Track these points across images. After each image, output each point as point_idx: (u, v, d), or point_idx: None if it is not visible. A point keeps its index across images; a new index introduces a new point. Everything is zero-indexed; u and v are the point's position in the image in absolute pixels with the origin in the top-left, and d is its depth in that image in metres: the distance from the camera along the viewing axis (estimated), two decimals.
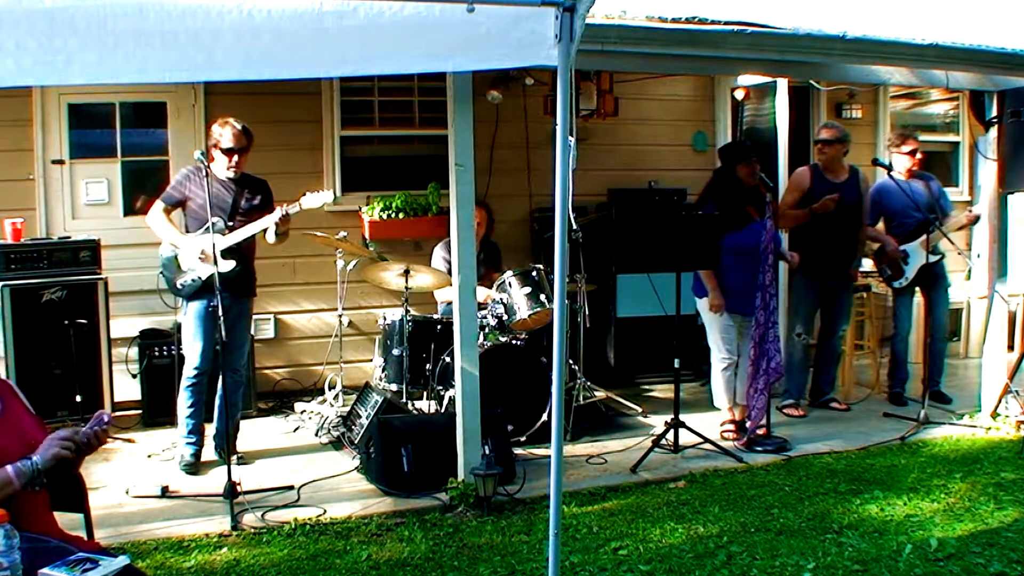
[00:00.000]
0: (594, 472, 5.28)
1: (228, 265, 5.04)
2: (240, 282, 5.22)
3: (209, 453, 5.40)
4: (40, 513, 2.76)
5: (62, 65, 2.92)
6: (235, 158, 5.11)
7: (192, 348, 5.20)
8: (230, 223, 5.13)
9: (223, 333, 4.66)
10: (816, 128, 6.62)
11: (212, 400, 5.39)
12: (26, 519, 2.49)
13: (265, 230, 5.16)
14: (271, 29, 3.04)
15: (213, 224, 4.99)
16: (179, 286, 5.19)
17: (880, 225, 6.74)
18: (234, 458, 5.28)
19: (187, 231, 5.24)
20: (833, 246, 6.27)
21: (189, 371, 5.21)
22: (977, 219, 6.52)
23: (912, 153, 6.56)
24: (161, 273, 5.33)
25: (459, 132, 4.57)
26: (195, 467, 5.22)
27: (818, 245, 6.18)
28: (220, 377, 5.20)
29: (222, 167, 5.14)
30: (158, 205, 5.22)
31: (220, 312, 4.64)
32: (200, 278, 5.10)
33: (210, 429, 5.43)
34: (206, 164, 4.75)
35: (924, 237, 6.28)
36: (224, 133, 5.09)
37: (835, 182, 6.31)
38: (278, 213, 5.09)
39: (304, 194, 5.20)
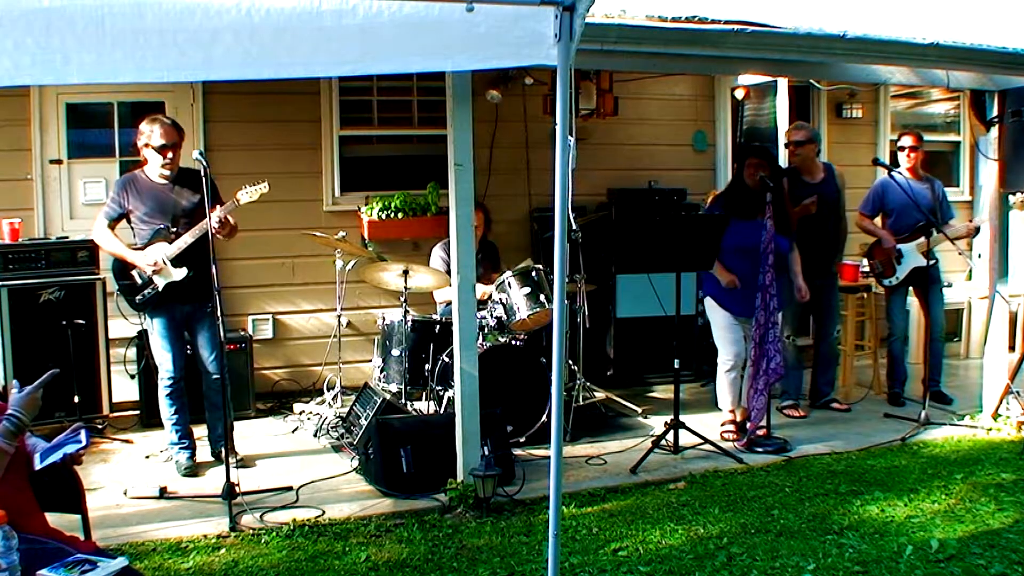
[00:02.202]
0: (594, 473, 5.27)
1: (181, 273, 5.00)
2: (198, 285, 5.08)
3: (208, 454, 5.39)
4: (30, 514, 2.75)
5: (60, 64, 2.91)
6: (169, 154, 4.98)
7: (162, 358, 5.16)
8: (175, 229, 5.04)
9: (222, 334, 4.63)
10: (816, 128, 6.59)
11: (200, 402, 5.37)
12: (16, 520, 2.48)
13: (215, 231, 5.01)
14: (270, 28, 3.03)
15: (158, 231, 4.98)
16: (137, 300, 5.13)
17: (878, 220, 6.73)
18: (234, 460, 5.27)
19: (134, 238, 5.15)
20: (816, 245, 6.24)
21: (164, 379, 5.17)
22: (977, 230, 6.50)
23: (903, 149, 6.56)
24: (118, 288, 5.24)
25: (458, 132, 4.56)
26: (193, 469, 5.21)
27: (801, 245, 6.17)
28: (203, 380, 5.23)
29: (156, 168, 5.02)
30: (101, 221, 5.11)
31: (219, 314, 4.61)
32: (157, 290, 5.05)
33: (207, 431, 5.43)
34: (205, 164, 4.69)
35: (922, 239, 6.28)
36: (154, 130, 4.95)
37: (812, 183, 6.30)
38: (213, 218, 4.93)
39: (242, 188, 5.10)
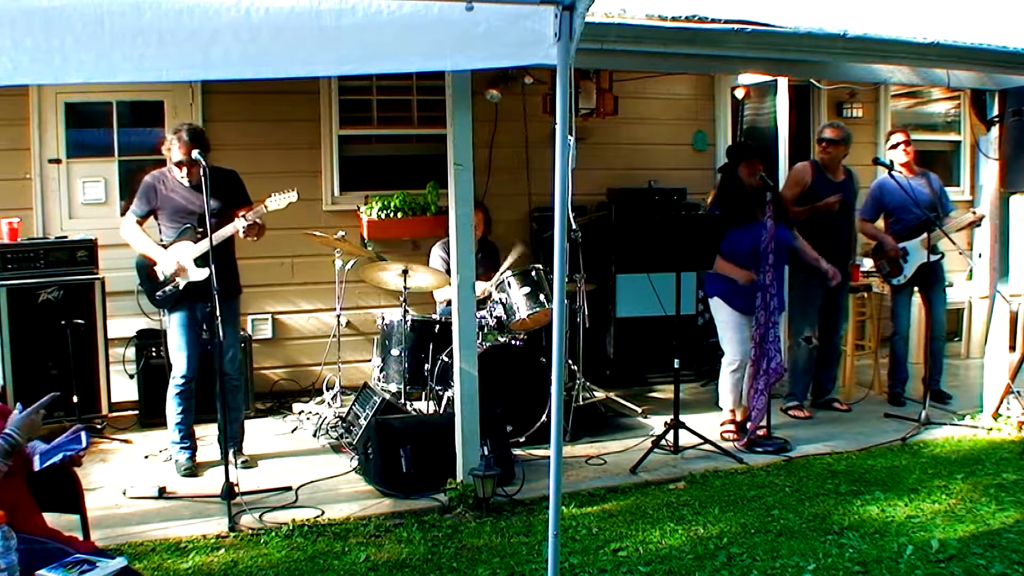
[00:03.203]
0: (594, 473, 5.26)
1: (203, 273, 5.00)
2: (219, 285, 5.10)
3: (212, 454, 5.38)
4: (28, 514, 2.75)
5: (59, 64, 2.90)
6: (185, 169, 5.00)
7: (177, 356, 5.17)
8: (200, 229, 5.04)
9: (221, 334, 4.62)
10: (818, 127, 6.57)
11: (211, 403, 5.37)
12: (15, 520, 2.47)
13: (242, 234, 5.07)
14: (269, 28, 3.02)
15: (183, 230, 4.98)
16: (157, 297, 5.15)
17: (880, 222, 6.73)
18: (240, 460, 5.27)
19: (160, 236, 5.18)
20: (834, 245, 6.25)
21: (176, 379, 5.18)
22: (982, 219, 6.48)
23: (896, 146, 6.55)
24: (140, 285, 5.27)
25: (458, 131, 4.55)
26: (193, 470, 5.20)
27: (819, 245, 6.16)
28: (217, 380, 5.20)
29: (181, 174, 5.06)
30: (130, 218, 5.15)
31: (217, 315, 4.59)
32: (178, 287, 5.07)
33: (214, 430, 5.42)
34: (205, 165, 4.70)
35: (924, 236, 6.27)
36: (174, 145, 4.96)
37: (835, 181, 6.31)
38: (240, 223, 4.99)
39: (270, 195, 5.14)
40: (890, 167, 6.40)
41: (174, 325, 5.17)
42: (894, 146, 6.60)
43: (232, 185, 5.24)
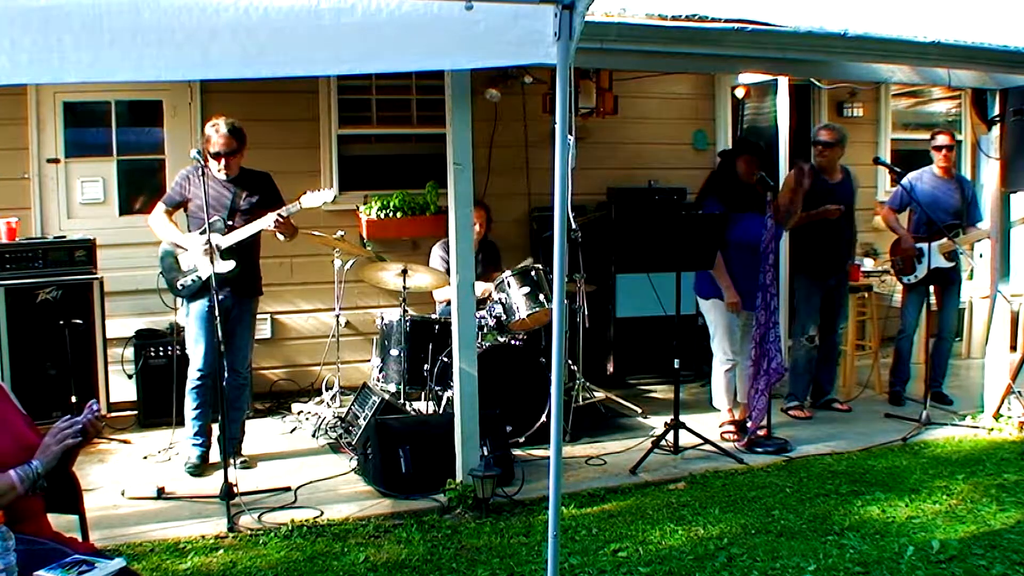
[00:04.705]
0: (593, 473, 5.25)
1: (227, 266, 5.01)
2: (242, 282, 5.17)
3: (211, 455, 5.37)
4: (35, 515, 2.74)
5: (57, 63, 2.89)
6: (223, 161, 5.04)
7: (195, 350, 5.17)
8: (230, 223, 5.08)
9: (220, 333, 4.62)
10: (815, 128, 6.56)
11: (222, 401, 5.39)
12: (20, 521, 2.46)
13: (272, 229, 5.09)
14: (268, 27, 3.01)
15: (212, 224, 4.96)
16: (179, 287, 5.16)
17: (904, 218, 6.72)
18: (239, 461, 5.26)
19: (188, 232, 5.20)
20: (832, 245, 6.25)
21: (193, 373, 5.18)
22: None
23: (939, 148, 6.54)
24: (161, 273, 5.30)
25: (457, 131, 4.55)
26: (200, 469, 5.19)
27: (818, 245, 6.16)
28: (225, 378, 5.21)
29: (215, 169, 5.09)
30: (160, 207, 5.20)
31: (217, 312, 4.59)
32: (200, 279, 5.07)
33: (214, 429, 5.42)
34: (202, 163, 4.71)
35: (943, 240, 6.27)
36: (212, 136, 5.02)
37: (831, 182, 6.29)
38: (272, 216, 5.01)
39: (304, 193, 5.15)
40: (891, 167, 6.40)
41: (193, 317, 5.16)
42: (937, 148, 6.57)
43: (266, 186, 5.27)
